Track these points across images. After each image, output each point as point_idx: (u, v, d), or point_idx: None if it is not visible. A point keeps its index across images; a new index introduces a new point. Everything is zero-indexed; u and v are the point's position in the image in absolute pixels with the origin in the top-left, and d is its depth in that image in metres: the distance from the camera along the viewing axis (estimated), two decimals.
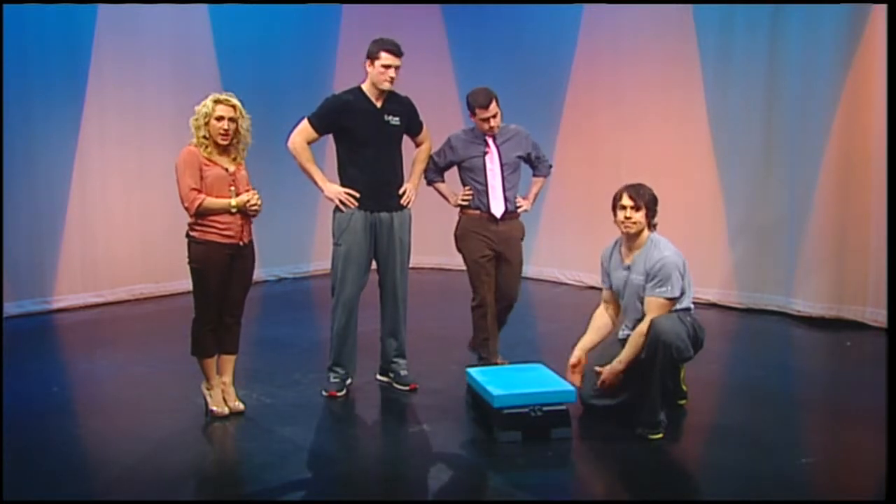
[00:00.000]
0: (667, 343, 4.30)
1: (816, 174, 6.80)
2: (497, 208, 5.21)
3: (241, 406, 4.75)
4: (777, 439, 4.40)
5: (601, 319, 4.75)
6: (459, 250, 5.35)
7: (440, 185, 5.43)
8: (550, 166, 5.52)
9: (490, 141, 5.21)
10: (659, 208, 4.54)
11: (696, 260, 7.69)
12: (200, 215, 4.48)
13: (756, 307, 7.25)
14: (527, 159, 5.38)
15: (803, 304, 6.94)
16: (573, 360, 4.66)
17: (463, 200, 5.30)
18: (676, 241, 4.56)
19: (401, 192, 5.11)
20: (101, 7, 7.29)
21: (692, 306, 4.60)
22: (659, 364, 4.33)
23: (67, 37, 7.18)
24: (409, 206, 5.16)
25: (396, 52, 4.91)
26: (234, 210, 4.51)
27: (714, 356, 5.89)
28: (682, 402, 4.85)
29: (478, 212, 5.26)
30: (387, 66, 4.89)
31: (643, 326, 4.41)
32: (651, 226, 4.52)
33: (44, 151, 7.11)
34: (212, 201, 4.48)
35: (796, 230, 6.96)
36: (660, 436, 4.35)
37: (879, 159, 6.33)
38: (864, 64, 6.52)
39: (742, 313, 7.24)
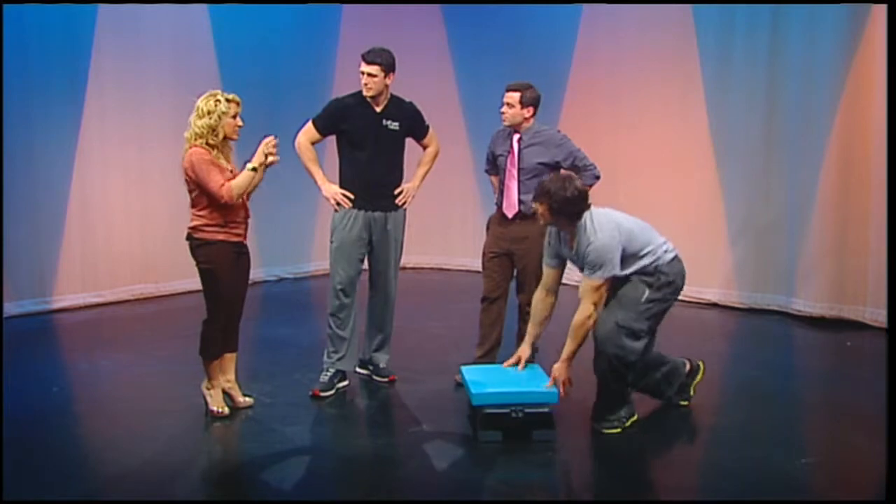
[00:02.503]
0: (607, 353, 4.40)
1: (816, 174, 6.80)
2: (508, 208, 5.19)
3: (249, 400, 4.79)
4: (777, 439, 4.41)
5: (539, 309, 4.70)
6: None
7: (492, 178, 5.45)
8: (597, 177, 5.19)
9: (515, 142, 5.17)
10: (576, 207, 4.40)
11: (696, 260, 7.69)
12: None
13: (756, 307, 7.25)
14: (560, 167, 5.18)
15: (803, 304, 6.94)
16: (511, 360, 4.70)
17: (498, 197, 5.35)
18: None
19: (397, 191, 5.17)
20: (101, 7, 7.27)
21: (657, 257, 4.46)
22: (608, 372, 4.43)
23: (67, 37, 7.16)
24: (405, 206, 5.21)
25: (366, 58, 4.96)
26: (254, 169, 4.47)
27: (714, 356, 5.88)
28: (684, 403, 4.86)
29: (497, 208, 5.29)
30: (362, 73, 4.98)
31: (580, 317, 4.42)
32: (571, 222, 4.43)
33: (44, 151, 7.10)
34: (239, 181, 4.48)
35: (796, 230, 6.96)
36: (616, 430, 4.44)
37: (879, 159, 6.33)
38: (864, 64, 6.52)
39: (742, 313, 7.24)
